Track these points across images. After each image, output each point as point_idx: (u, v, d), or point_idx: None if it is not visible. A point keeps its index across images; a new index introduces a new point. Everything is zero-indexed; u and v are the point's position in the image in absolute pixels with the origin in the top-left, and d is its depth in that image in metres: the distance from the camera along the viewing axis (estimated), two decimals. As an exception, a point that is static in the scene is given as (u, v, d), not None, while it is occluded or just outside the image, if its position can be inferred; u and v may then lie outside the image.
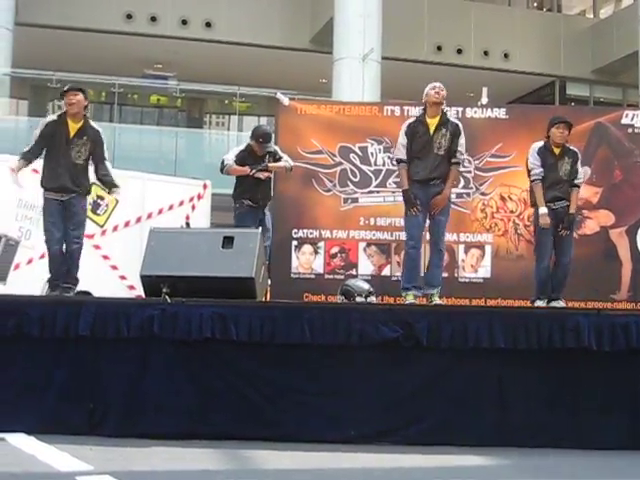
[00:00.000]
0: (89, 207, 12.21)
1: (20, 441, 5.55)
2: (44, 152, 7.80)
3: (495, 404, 5.91)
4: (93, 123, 7.91)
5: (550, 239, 8.13)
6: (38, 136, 7.74)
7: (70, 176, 7.62)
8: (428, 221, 7.97)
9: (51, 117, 7.89)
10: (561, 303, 7.99)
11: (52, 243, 7.65)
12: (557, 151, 8.31)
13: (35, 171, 10.90)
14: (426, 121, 8.09)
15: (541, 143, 8.37)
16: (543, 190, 8.15)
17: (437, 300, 7.80)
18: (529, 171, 8.34)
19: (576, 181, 8.35)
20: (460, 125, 8.12)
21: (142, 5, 23.27)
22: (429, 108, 8.15)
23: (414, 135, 8.08)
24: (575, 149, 8.47)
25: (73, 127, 7.68)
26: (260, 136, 9.18)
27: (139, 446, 5.54)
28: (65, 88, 8.02)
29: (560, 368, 5.95)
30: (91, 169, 7.94)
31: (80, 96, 7.82)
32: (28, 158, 7.86)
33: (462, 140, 8.02)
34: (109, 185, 8.11)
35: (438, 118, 8.05)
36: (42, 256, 10.22)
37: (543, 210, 8.03)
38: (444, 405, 5.89)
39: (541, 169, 8.21)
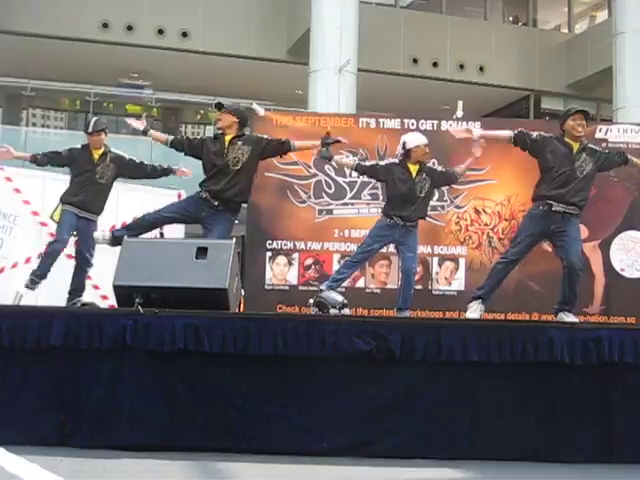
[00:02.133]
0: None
1: (-11, 452, 5.50)
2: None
3: (469, 417, 5.91)
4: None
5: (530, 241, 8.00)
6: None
7: None
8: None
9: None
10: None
11: None
12: (575, 146, 7.90)
13: (8, 179, 10.86)
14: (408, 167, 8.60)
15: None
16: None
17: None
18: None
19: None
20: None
21: (118, 14, 23.20)
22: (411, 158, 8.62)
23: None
24: (596, 147, 8.19)
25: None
26: None
27: (111, 457, 5.50)
28: (90, 130, 9.01)
29: (534, 381, 5.96)
30: None
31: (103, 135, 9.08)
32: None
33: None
34: (167, 170, 9.25)
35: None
36: (14, 265, 10.19)
37: None
38: (418, 418, 5.88)
39: None
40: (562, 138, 7.93)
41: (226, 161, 7.84)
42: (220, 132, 8.12)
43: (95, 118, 9.36)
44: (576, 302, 7.95)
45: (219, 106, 8.13)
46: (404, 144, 8.67)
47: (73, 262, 9.04)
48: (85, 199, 8.93)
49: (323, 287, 8.41)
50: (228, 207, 7.92)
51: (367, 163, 9.16)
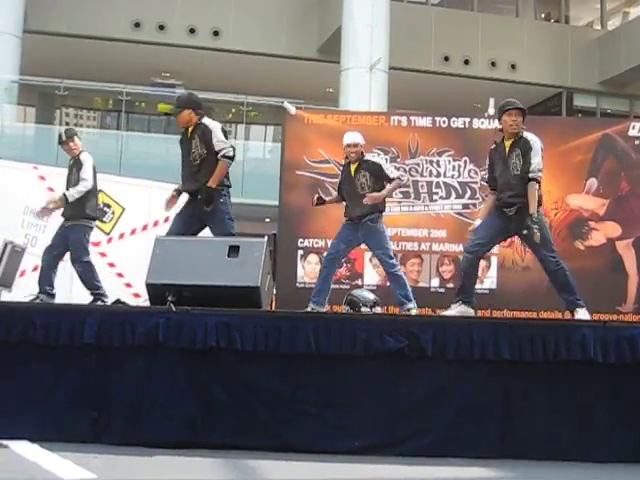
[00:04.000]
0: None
1: (24, 448, 5.54)
2: None
3: (500, 416, 5.88)
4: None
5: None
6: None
7: None
8: None
9: None
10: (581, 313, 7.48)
11: None
12: (507, 144, 7.54)
13: (42, 178, 10.95)
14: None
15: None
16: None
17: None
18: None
19: (531, 174, 7.33)
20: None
21: (150, 14, 23.35)
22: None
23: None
24: (529, 137, 7.49)
25: None
26: None
27: (143, 455, 5.53)
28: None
29: (566, 380, 5.92)
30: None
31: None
32: None
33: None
34: None
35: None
36: (35, 268, 10.26)
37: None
38: (449, 416, 5.86)
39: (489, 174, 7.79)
40: (500, 143, 7.65)
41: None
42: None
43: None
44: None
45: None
46: None
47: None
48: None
49: (310, 307, 8.40)
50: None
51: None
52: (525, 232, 7.29)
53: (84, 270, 9.06)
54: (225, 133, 7.91)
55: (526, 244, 7.84)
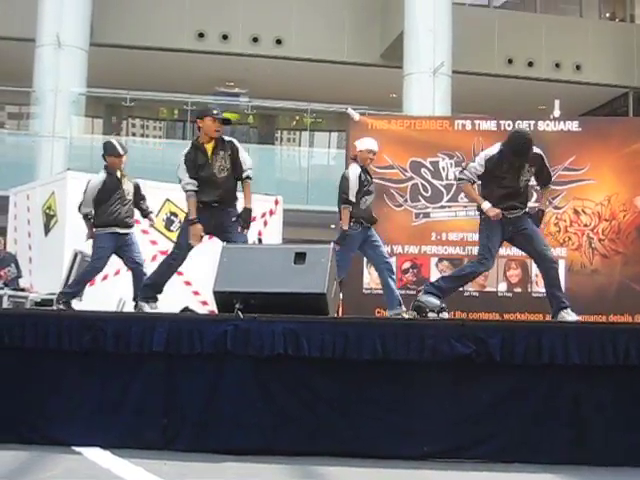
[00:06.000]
0: (162, 223, 12.46)
1: (96, 455, 5.61)
2: None
3: (570, 421, 5.81)
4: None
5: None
6: None
7: None
8: None
9: None
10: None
11: None
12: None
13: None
14: None
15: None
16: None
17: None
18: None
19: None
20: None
21: (214, 24, 23.58)
22: None
23: None
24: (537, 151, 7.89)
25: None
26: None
27: (213, 461, 5.57)
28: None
29: (637, 385, 5.84)
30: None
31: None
32: None
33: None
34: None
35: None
36: (117, 272, 10.42)
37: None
38: (518, 422, 5.80)
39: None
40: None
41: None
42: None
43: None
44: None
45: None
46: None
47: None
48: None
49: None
50: None
51: None
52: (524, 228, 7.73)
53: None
54: None
55: (525, 242, 7.93)
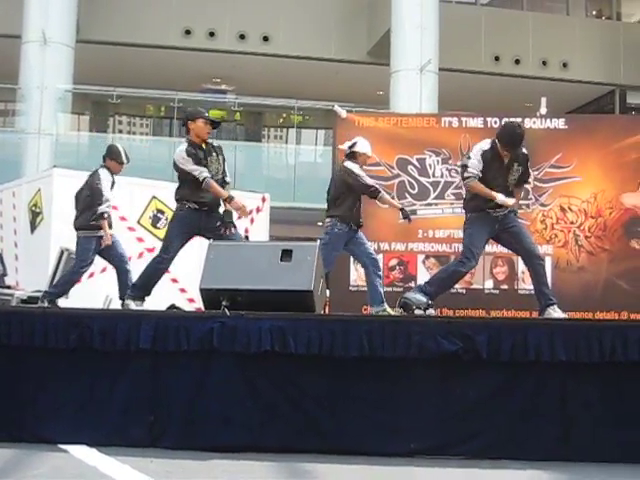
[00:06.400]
0: (149, 221, 12.45)
1: (82, 453, 5.61)
2: None
3: (557, 418, 5.83)
4: None
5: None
6: None
7: None
8: None
9: None
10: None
11: None
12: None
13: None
14: None
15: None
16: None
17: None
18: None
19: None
20: None
21: (200, 21, 23.54)
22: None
23: None
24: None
25: None
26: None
27: (200, 459, 5.57)
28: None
29: (623, 381, 5.86)
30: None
31: None
32: None
33: None
34: None
35: None
36: (103, 270, 10.38)
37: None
38: (505, 419, 5.82)
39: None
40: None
41: None
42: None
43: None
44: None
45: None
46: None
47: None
48: None
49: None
50: None
51: None
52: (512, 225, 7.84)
53: None
54: None
55: (512, 239, 8.01)
